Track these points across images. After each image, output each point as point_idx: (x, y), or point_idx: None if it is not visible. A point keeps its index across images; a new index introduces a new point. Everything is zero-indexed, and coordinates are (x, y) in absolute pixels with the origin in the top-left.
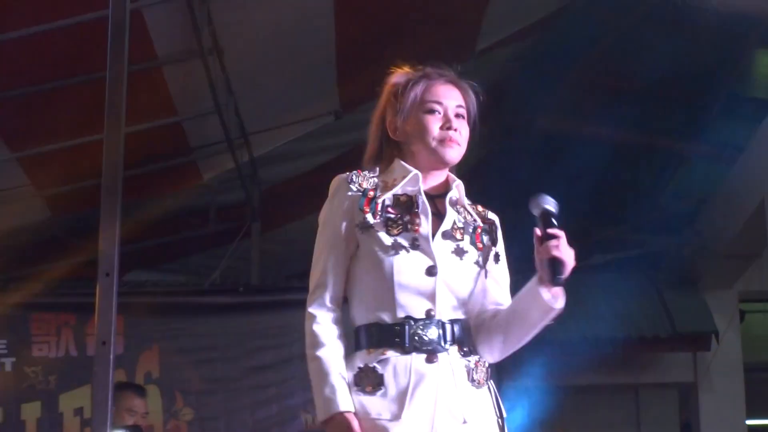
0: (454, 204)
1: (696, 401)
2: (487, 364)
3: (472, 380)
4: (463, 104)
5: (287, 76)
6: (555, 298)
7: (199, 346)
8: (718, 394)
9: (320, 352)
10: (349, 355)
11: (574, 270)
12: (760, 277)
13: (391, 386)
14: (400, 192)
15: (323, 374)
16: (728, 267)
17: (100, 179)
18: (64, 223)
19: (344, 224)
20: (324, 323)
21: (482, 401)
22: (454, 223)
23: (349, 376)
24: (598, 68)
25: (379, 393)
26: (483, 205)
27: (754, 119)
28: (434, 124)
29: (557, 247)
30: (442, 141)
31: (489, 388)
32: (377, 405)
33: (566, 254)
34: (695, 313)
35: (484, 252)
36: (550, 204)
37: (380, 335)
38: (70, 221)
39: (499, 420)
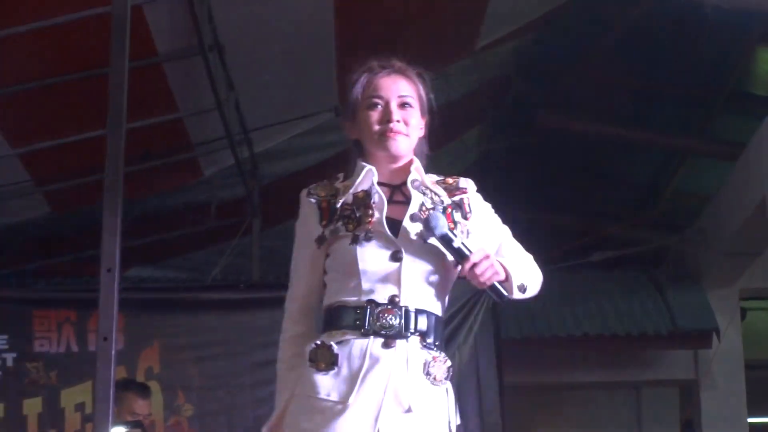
0: (417, 187)
1: (697, 399)
2: (448, 364)
3: (428, 374)
4: (410, 93)
5: (287, 72)
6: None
7: (200, 343)
8: (720, 392)
9: (280, 368)
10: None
11: (575, 267)
12: (762, 275)
13: (344, 367)
14: (358, 190)
15: (278, 391)
16: (730, 264)
17: (102, 175)
18: (65, 220)
19: (305, 237)
20: (284, 338)
21: (435, 397)
22: (423, 205)
23: (306, 352)
24: (600, 64)
25: (331, 372)
26: (453, 176)
27: (756, 116)
28: (374, 119)
29: (482, 274)
30: (382, 134)
31: (447, 389)
32: (328, 384)
33: (492, 274)
34: (697, 311)
35: (457, 230)
36: (438, 226)
37: (342, 317)
38: (71, 217)
39: (450, 423)
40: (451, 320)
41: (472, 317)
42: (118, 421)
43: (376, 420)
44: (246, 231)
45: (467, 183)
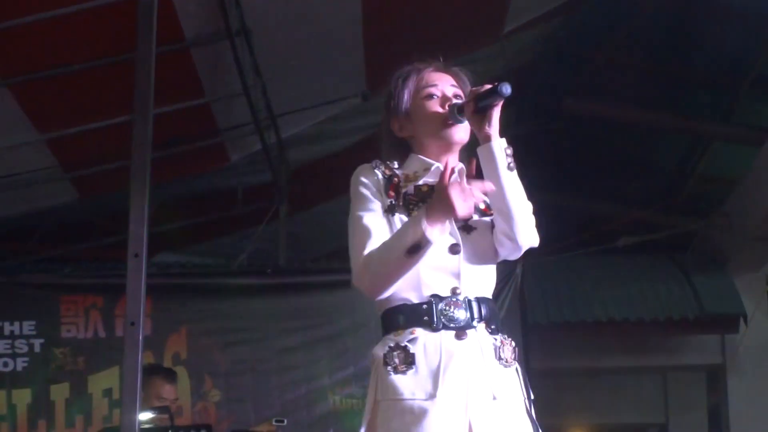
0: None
1: (724, 384)
2: (513, 344)
3: (500, 358)
4: (457, 86)
5: (315, 57)
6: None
7: (227, 328)
8: (747, 377)
9: (381, 246)
10: (377, 341)
11: (602, 252)
12: None
13: (422, 365)
14: (421, 183)
15: (392, 238)
16: (756, 249)
17: (129, 161)
18: (93, 205)
19: (377, 203)
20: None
21: (510, 380)
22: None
23: (378, 356)
24: (626, 49)
25: (410, 372)
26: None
27: None
28: (436, 107)
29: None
30: (446, 121)
31: (516, 368)
32: (410, 385)
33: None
34: (723, 296)
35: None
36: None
37: (408, 315)
38: (99, 203)
39: (527, 401)
40: None
41: (498, 303)
42: (145, 407)
43: (466, 410)
44: (273, 216)
45: None
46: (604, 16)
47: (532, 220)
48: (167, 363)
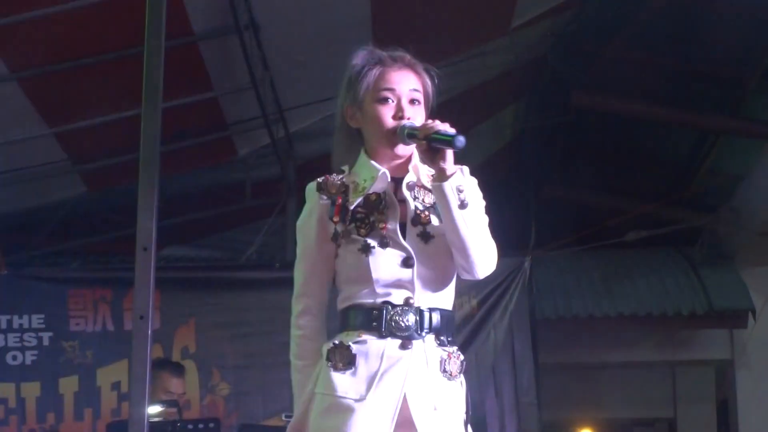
0: (412, 188)
1: (733, 378)
2: (462, 358)
3: (444, 371)
4: (419, 88)
5: (323, 51)
6: (446, 170)
7: (235, 321)
8: (755, 372)
9: (299, 365)
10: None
11: (610, 246)
12: None
13: (362, 367)
14: (370, 191)
15: (298, 389)
16: (765, 244)
17: (137, 154)
18: (101, 199)
19: (318, 233)
20: (305, 334)
21: (453, 392)
22: (416, 208)
23: (324, 350)
24: (634, 43)
25: (348, 372)
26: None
27: None
28: (386, 114)
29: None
30: (394, 133)
31: (461, 382)
32: (345, 383)
33: (438, 124)
34: (732, 290)
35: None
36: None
37: (359, 318)
38: (107, 196)
39: (465, 415)
40: (486, 300)
41: (507, 297)
42: (153, 400)
43: (393, 419)
44: (281, 210)
45: (461, 170)
46: (612, 11)
47: (489, 251)
48: (176, 356)
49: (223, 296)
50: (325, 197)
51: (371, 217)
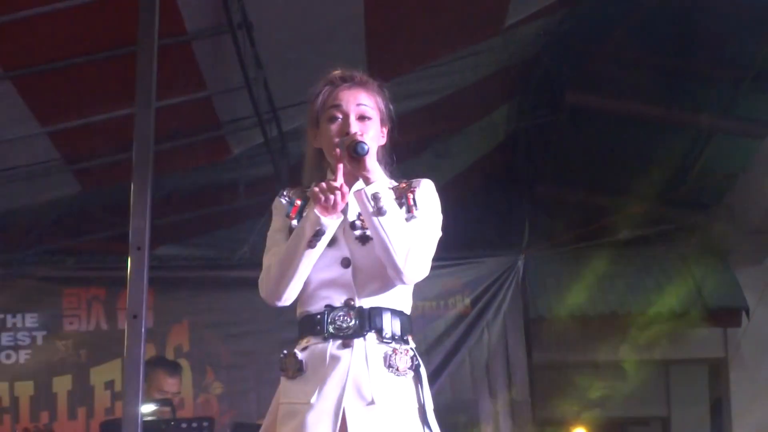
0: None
1: (726, 377)
2: (411, 354)
3: (389, 366)
4: (369, 104)
5: (316, 50)
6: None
7: (229, 321)
8: (749, 370)
9: (279, 252)
10: None
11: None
12: None
13: (310, 372)
14: None
15: (291, 239)
16: (758, 242)
17: (131, 153)
18: (95, 198)
19: (281, 226)
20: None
21: (400, 387)
22: (358, 214)
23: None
24: (628, 43)
25: (299, 378)
26: (411, 180)
27: None
28: (333, 132)
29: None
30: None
31: (415, 377)
32: (296, 389)
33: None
34: (725, 289)
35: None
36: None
37: (305, 325)
38: (101, 196)
39: (420, 409)
40: (479, 299)
41: (500, 296)
42: (147, 399)
43: (336, 415)
44: None
45: (419, 182)
46: (606, 9)
47: (414, 259)
48: (169, 355)
49: (217, 295)
50: (285, 199)
51: None
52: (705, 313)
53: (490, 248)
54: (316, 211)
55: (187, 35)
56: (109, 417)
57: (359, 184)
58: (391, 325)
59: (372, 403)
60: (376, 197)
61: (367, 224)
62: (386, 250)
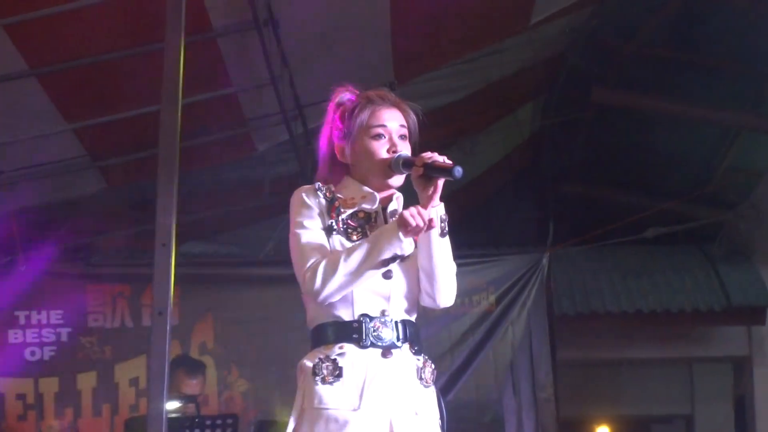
0: (393, 215)
1: (750, 375)
2: (433, 366)
3: (421, 378)
4: (405, 124)
5: (342, 47)
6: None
7: (253, 318)
8: None
9: (343, 258)
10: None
11: (629, 243)
12: None
13: (349, 377)
14: (357, 209)
15: (359, 252)
16: None
17: (157, 150)
18: (120, 194)
19: (320, 221)
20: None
21: (429, 399)
22: None
23: (308, 366)
24: (655, 40)
25: (337, 384)
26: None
27: None
28: (381, 149)
29: (423, 157)
30: (388, 166)
31: (434, 389)
32: (335, 396)
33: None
34: (750, 287)
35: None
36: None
37: (338, 332)
38: (126, 192)
39: (440, 421)
40: (504, 297)
41: (525, 294)
42: (172, 396)
43: (386, 424)
44: None
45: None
46: (632, 6)
47: (454, 283)
48: (194, 352)
49: (242, 292)
50: (322, 195)
51: (365, 228)
52: (729, 311)
53: (515, 246)
54: (401, 235)
55: (213, 32)
56: (133, 414)
57: (394, 204)
58: (417, 337)
59: (416, 414)
60: (443, 220)
61: (421, 245)
62: (436, 270)
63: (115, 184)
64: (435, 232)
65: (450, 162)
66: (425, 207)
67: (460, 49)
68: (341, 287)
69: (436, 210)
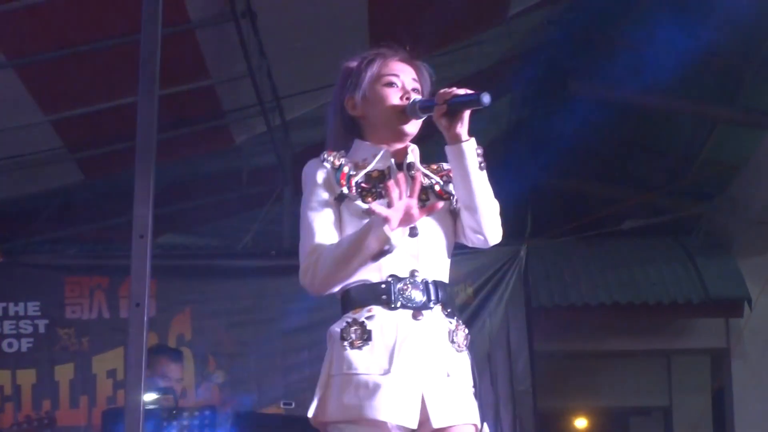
0: (411, 169)
1: (728, 367)
2: (466, 331)
3: (452, 341)
4: (417, 80)
5: (319, 39)
6: (460, 137)
7: (231, 309)
8: (751, 361)
9: (333, 247)
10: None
11: (607, 235)
12: None
13: (379, 341)
14: (371, 169)
15: (348, 246)
16: (761, 233)
17: (134, 142)
18: (98, 186)
19: (327, 196)
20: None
21: (462, 363)
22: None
23: (336, 332)
24: (632, 32)
25: (366, 348)
26: (435, 163)
27: None
28: (394, 96)
29: (444, 93)
30: (402, 111)
31: (468, 354)
32: (365, 360)
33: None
34: (728, 279)
35: (451, 199)
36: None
37: (367, 294)
38: (103, 184)
39: (475, 387)
40: (482, 289)
41: (502, 285)
42: (149, 386)
43: (418, 387)
44: (277, 198)
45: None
46: None
47: (498, 219)
48: (171, 344)
49: (220, 284)
50: (328, 164)
51: (378, 187)
52: (707, 304)
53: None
54: (387, 230)
55: (191, 24)
56: (111, 406)
57: (410, 157)
58: (450, 299)
59: (447, 375)
60: (478, 152)
61: (461, 181)
62: (481, 205)
63: (93, 175)
64: (473, 166)
65: (472, 91)
66: (455, 143)
67: (437, 41)
68: (332, 278)
69: (470, 144)
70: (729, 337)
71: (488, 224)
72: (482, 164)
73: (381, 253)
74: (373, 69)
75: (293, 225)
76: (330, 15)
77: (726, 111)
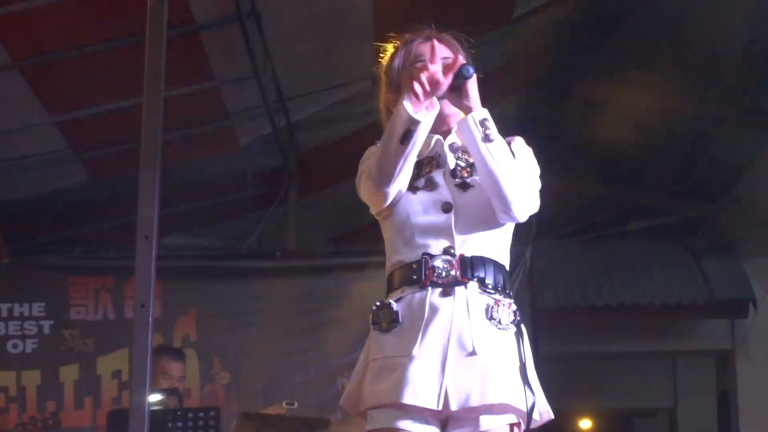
0: (456, 150)
1: (733, 369)
2: (514, 308)
3: (491, 318)
4: (450, 54)
5: (325, 40)
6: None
7: (236, 310)
8: (756, 362)
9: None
10: None
11: (612, 236)
12: None
13: (406, 322)
14: (425, 156)
15: (385, 135)
16: (766, 234)
17: (139, 143)
18: (103, 187)
19: None
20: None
21: (502, 341)
22: (457, 164)
23: (370, 318)
24: (638, 33)
25: (394, 330)
26: None
27: None
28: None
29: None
30: None
31: (517, 332)
32: (392, 343)
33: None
34: (733, 280)
35: None
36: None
37: (401, 276)
38: (109, 185)
39: (521, 367)
40: None
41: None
42: (154, 389)
43: (443, 366)
44: (282, 199)
45: (513, 138)
46: (615, 0)
47: (524, 190)
48: (176, 345)
49: (224, 285)
50: None
51: (422, 172)
52: (712, 305)
53: None
54: (406, 104)
55: (196, 25)
56: (116, 407)
57: (453, 137)
58: (494, 274)
59: (473, 353)
60: (483, 123)
61: (472, 155)
62: (494, 179)
63: (98, 176)
64: (478, 138)
65: (460, 62)
66: (466, 112)
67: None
68: (386, 172)
69: (473, 116)
70: (734, 339)
71: (509, 199)
72: (490, 135)
73: (408, 134)
74: (400, 59)
75: (298, 226)
76: (335, 16)
77: (731, 112)
